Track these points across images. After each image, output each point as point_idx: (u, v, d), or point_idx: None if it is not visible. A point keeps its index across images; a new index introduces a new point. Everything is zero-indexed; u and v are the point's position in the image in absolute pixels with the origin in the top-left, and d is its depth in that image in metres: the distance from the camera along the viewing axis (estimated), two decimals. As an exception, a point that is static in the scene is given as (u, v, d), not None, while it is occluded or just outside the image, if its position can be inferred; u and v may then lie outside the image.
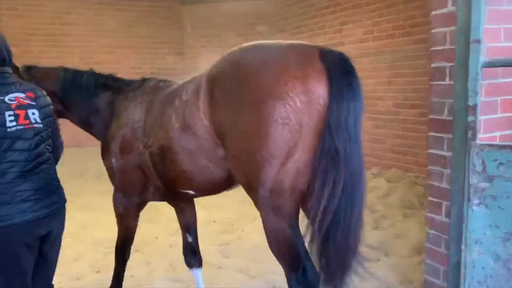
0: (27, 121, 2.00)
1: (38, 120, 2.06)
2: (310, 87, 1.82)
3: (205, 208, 5.35)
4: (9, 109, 1.96)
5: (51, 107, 2.21)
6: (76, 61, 7.66)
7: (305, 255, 2.02)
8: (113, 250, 3.16)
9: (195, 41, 8.64)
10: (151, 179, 2.58)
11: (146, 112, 2.54)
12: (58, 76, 3.04)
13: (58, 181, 2.21)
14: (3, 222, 1.91)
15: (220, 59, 2.13)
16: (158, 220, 5.19)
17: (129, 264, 4.01)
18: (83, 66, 7.89)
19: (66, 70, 3.09)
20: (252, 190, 2.00)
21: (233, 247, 4.30)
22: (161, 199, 2.85)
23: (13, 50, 7.52)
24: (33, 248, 2.04)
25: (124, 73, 8.15)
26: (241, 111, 1.90)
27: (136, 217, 2.93)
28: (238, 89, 1.92)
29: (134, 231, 3.03)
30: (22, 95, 2.04)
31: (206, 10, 8.64)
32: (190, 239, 3.29)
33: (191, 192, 2.46)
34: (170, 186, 2.49)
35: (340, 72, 1.84)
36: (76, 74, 3.06)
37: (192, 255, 3.28)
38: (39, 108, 2.08)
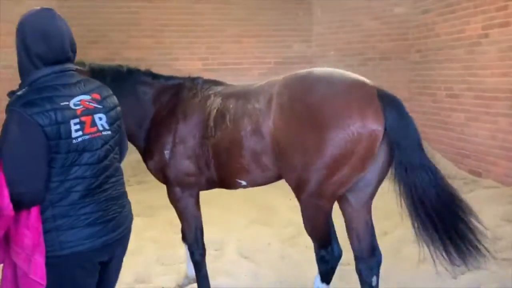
0: (94, 129, 1.72)
1: (106, 127, 1.77)
2: (368, 122, 2.27)
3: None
4: (75, 116, 1.67)
5: (119, 108, 1.91)
6: (203, 51, 7.66)
7: (333, 236, 2.72)
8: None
9: (325, 27, 7.96)
10: (204, 169, 2.80)
11: (209, 109, 2.77)
12: (89, 71, 2.69)
13: (126, 196, 1.95)
14: (65, 250, 1.66)
15: (293, 79, 2.53)
16: (272, 223, 4.81)
17: (236, 271, 3.69)
18: (210, 57, 7.97)
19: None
20: (299, 191, 2.51)
21: (352, 269, 3.64)
22: (208, 188, 2.99)
23: (147, 41, 7.80)
24: (94, 274, 1.81)
25: (248, 62, 8.02)
26: (306, 131, 2.36)
27: (199, 206, 3.00)
28: (307, 113, 2.36)
29: (201, 221, 3.05)
30: (87, 97, 1.74)
31: (338, -7, 7.89)
32: None
33: (244, 183, 2.80)
34: (228, 175, 2.77)
35: (396, 112, 2.31)
36: (104, 67, 2.85)
37: None
38: (106, 111, 1.79)
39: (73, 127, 1.64)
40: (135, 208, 4.60)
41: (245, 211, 5.17)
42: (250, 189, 5.60)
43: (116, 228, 1.80)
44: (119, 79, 2.82)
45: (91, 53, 6.99)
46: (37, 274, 1.59)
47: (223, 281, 3.49)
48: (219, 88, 2.92)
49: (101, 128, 1.74)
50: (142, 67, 7.42)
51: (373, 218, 2.67)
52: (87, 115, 1.70)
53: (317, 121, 2.32)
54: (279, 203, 5.32)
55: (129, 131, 2.87)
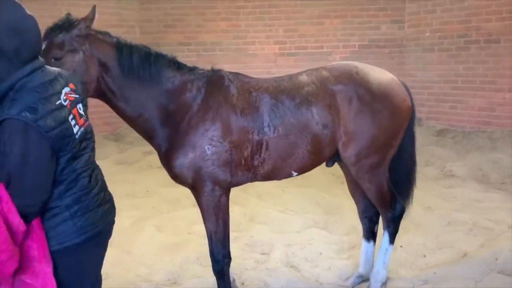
0: (82, 120, 1.72)
1: (84, 115, 1.76)
2: (410, 105, 2.98)
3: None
4: (69, 112, 1.64)
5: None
6: (280, 34, 7.24)
7: (395, 198, 3.07)
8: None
9: (419, 5, 6.95)
10: (253, 163, 2.73)
11: (258, 103, 2.73)
12: (116, 45, 2.54)
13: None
14: (83, 235, 1.69)
15: (346, 72, 2.83)
16: (333, 228, 4.30)
17: (273, 282, 3.29)
18: (287, 40, 7.46)
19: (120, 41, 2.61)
20: (374, 167, 2.88)
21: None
22: (243, 183, 2.88)
23: (223, 24, 7.53)
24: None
25: (330, 46, 7.35)
26: (378, 115, 2.80)
27: (228, 206, 2.82)
28: (378, 102, 2.80)
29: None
30: (68, 89, 1.69)
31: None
32: None
33: (295, 174, 2.87)
34: (283, 168, 2.79)
35: (411, 97, 3.01)
36: (136, 48, 2.61)
37: None
38: (82, 99, 1.77)
39: (72, 123, 1.63)
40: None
41: (305, 211, 4.72)
42: (315, 187, 5.22)
43: (112, 207, 1.90)
44: (146, 62, 2.58)
45: (167, 37, 6.99)
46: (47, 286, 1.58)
47: (254, 291, 3.16)
48: (253, 82, 2.82)
49: (85, 117, 1.75)
50: (217, 51, 7.34)
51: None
52: (73, 107, 1.67)
53: (389, 107, 2.80)
54: (348, 205, 4.75)
55: (150, 126, 2.66)
